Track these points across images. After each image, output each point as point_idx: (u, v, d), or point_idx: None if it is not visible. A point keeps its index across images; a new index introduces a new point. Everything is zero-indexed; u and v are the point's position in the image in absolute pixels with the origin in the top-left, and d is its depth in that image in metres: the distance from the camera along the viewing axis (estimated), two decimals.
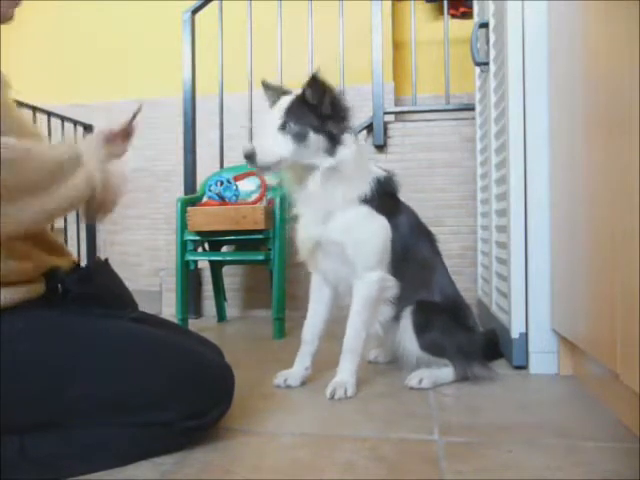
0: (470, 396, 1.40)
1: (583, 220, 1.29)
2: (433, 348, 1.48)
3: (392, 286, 1.46)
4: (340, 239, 1.42)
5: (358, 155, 1.41)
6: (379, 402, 1.37)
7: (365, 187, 1.43)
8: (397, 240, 1.47)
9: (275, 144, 1.34)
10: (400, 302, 1.48)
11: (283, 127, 1.35)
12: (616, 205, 1.07)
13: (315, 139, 1.35)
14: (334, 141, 1.36)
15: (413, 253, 1.52)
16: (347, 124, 1.40)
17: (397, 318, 1.50)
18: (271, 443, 1.11)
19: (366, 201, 1.43)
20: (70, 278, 1.04)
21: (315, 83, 1.34)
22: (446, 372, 1.49)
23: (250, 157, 1.32)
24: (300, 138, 1.34)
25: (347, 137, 1.39)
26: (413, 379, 1.46)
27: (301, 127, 1.34)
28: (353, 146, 1.39)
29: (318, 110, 1.35)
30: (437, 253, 1.61)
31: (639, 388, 0.97)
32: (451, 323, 1.50)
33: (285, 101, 1.38)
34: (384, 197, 1.47)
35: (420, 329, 1.47)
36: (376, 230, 1.44)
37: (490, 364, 1.58)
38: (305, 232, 1.48)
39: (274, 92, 1.45)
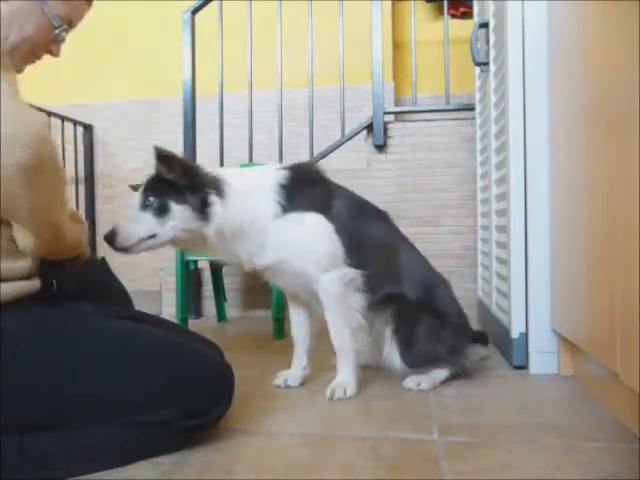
0: (470, 396, 1.40)
1: (583, 220, 1.29)
2: (423, 362, 1.47)
3: (355, 277, 1.41)
4: (280, 257, 1.37)
5: (231, 196, 1.33)
6: (379, 402, 1.37)
7: (270, 203, 1.36)
8: (341, 229, 1.41)
9: (136, 224, 1.28)
10: (371, 288, 1.43)
11: (144, 205, 1.28)
12: (616, 205, 1.07)
13: (179, 210, 1.28)
14: (200, 207, 1.29)
15: (366, 238, 1.46)
16: (208, 188, 1.31)
17: (378, 337, 1.48)
18: (271, 443, 1.10)
19: (283, 211, 1.36)
20: (65, 275, 1.04)
21: (161, 158, 1.28)
22: (441, 372, 1.49)
23: (110, 240, 1.25)
24: (162, 212, 1.28)
25: (210, 198, 1.30)
26: (410, 382, 1.45)
27: (161, 200, 1.28)
28: (218, 201, 1.31)
29: (175, 183, 1.29)
30: (395, 231, 1.56)
31: (639, 388, 0.97)
32: (433, 326, 1.47)
33: (144, 182, 1.32)
34: (303, 193, 1.40)
35: (405, 352, 1.45)
36: (312, 230, 1.38)
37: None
38: (247, 267, 1.43)
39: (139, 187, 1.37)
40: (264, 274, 1.45)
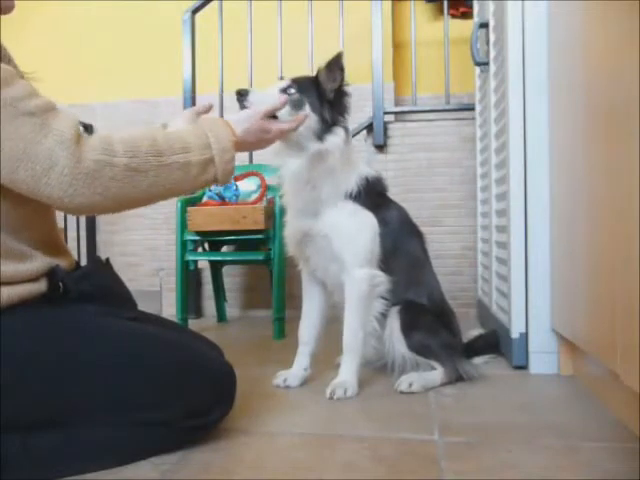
0: (470, 396, 1.40)
1: (583, 220, 1.29)
2: (421, 349, 1.47)
3: (383, 282, 1.46)
4: (326, 233, 1.42)
5: (346, 150, 1.42)
6: (379, 402, 1.37)
7: (351, 183, 1.44)
8: (386, 235, 1.48)
9: (269, 97, 1.32)
10: (390, 298, 1.48)
11: (284, 90, 1.37)
12: (616, 205, 1.07)
13: (309, 114, 1.36)
14: (325, 127, 1.38)
15: (403, 249, 1.53)
16: (342, 118, 1.42)
17: (384, 316, 1.49)
18: (271, 443, 1.11)
19: (352, 197, 1.44)
20: (71, 277, 1.04)
21: (336, 62, 1.37)
22: (435, 374, 1.48)
23: (241, 95, 1.32)
24: (295, 106, 1.36)
25: (338, 130, 1.40)
26: (403, 383, 1.44)
27: (300, 97, 1.36)
28: (343, 139, 1.40)
29: (323, 94, 1.38)
30: (427, 254, 1.62)
31: (639, 388, 0.97)
32: (437, 324, 1.50)
33: (297, 76, 1.42)
34: (371, 195, 1.47)
35: (407, 330, 1.47)
36: (363, 226, 1.45)
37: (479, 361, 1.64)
38: (292, 225, 1.49)
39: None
40: (306, 248, 1.49)
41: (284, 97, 1.30)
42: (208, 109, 1.23)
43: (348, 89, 1.42)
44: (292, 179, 1.44)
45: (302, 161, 1.39)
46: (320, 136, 1.38)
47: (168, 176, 0.99)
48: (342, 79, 1.39)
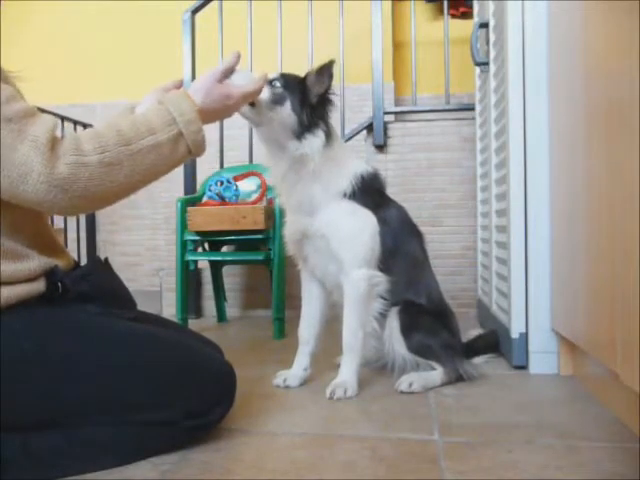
0: (470, 396, 1.40)
1: (583, 220, 1.29)
2: (421, 349, 1.47)
3: (382, 282, 1.46)
4: (324, 233, 1.42)
5: (327, 152, 1.39)
6: (379, 402, 1.37)
7: (344, 183, 1.43)
8: (386, 233, 1.48)
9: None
10: (390, 298, 1.48)
11: (270, 82, 1.36)
12: (616, 205, 1.07)
13: (287, 111, 1.35)
14: (303, 128, 1.36)
15: (402, 249, 1.52)
16: (321, 122, 1.39)
17: (383, 317, 1.49)
18: (271, 443, 1.11)
19: (349, 196, 1.43)
20: (70, 276, 1.04)
21: (326, 68, 1.36)
22: (435, 375, 1.48)
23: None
24: (276, 100, 1.35)
25: (318, 131, 1.38)
26: (403, 383, 1.44)
27: (284, 92, 1.35)
28: (322, 140, 1.38)
29: (307, 96, 1.37)
30: (426, 255, 1.62)
31: (639, 388, 0.97)
32: (436, 324, 1.50)
33: (288, 73, 1.42)
34: (369, 192, 1.47)
35: (407, 330, 1.47)
36: (362, 224, 1.44)
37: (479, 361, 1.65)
38: (291, 225, 1.50)
39: None
40: (304, 247, 1.49)
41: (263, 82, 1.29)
42: (179, 84, 1.22)
43: (333, 98, 1.41)
44: (282, 180, 1.44)
45: (286, 164, 1.40)
46: (298, 136, 1.36)
47: (142, 161, 0.99)
48: (329, 86, 1.38)
